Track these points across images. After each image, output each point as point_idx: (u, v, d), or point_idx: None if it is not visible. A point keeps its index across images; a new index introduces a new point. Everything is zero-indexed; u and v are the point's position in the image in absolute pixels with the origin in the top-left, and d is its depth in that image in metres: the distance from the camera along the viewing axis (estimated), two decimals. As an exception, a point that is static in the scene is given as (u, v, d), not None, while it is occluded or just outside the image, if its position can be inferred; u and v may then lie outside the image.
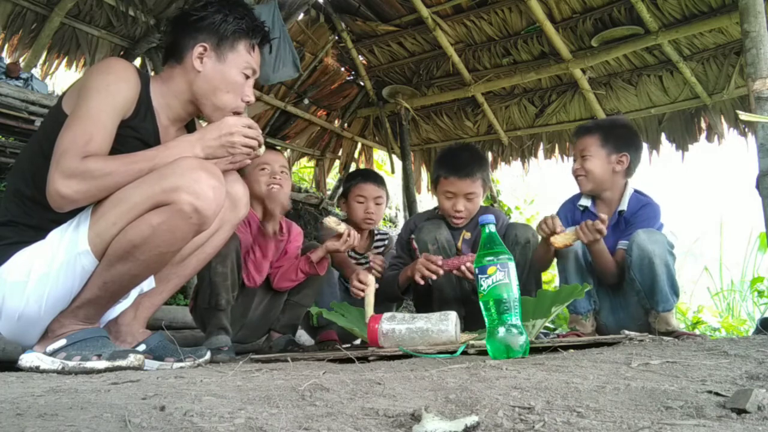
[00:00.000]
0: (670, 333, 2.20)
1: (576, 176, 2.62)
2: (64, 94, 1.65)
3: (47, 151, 1.51)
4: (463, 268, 2.32)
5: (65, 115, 1.54)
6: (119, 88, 1.57)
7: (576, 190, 2.71)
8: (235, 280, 2.26)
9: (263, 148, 1.73)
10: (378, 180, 3.05)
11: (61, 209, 1.48)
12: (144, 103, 1.66)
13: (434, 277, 2.38)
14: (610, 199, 2.58)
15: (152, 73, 4.25)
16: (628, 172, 2.57)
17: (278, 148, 5.08)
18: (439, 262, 2.35)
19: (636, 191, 2.58)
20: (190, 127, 1.87)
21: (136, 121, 1.63)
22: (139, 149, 1.57)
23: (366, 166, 6.51)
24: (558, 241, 2.30)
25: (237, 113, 1.75)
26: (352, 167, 6.39)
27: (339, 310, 2.24)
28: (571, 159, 5.35)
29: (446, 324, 1.73)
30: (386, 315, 1.82)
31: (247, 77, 1.77)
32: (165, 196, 1.45)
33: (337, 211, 6.04)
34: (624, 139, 2.56)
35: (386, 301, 2.78)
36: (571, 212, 2.67)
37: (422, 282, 2.42)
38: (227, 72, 1.72)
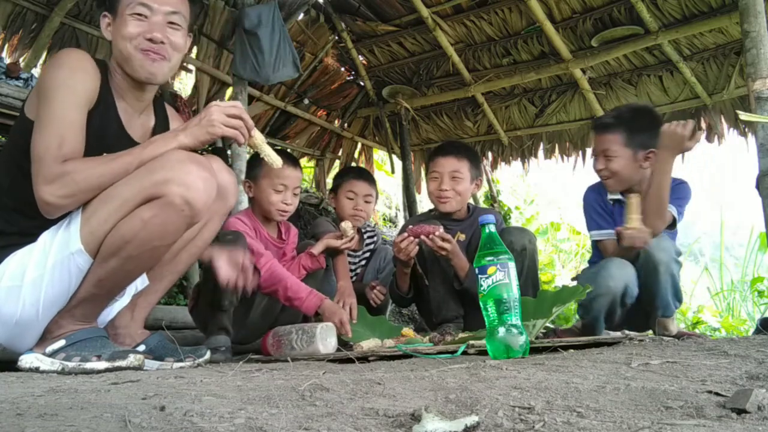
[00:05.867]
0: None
1: (601, 177, 2.39)
2: (24, 101, 1.62)
3: (19, 159, 1.50)
4: (423, 237, 2.37)
5: (30, 122, 1.52)
6: (76, 81, 1.54)
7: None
8: None
9: (256, 132, 1.66)
10: (370, 178, 3.10)
11: (51, 216, 1.48)
12: (105, 90, 1.63)
13: (412, 252, 2.41)
14: (639, 189, 2.36)
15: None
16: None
17: (278, 147, 5.08)
18: (405, 234, 2.41)
19: None
20: (158, 109, 1.82)
21: (99, 109, 1.60)
22: (101, 139, 1.55)
23: (366, 166, 6.50)
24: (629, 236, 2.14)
25: (150, 39, 1.61)
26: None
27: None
28: (571, 158, 5.42)
29: (313, 338, 1.95)
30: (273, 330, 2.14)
31: (139, 15, 1.61)
32: (155, 189, 1.44)
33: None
34: (649, 130, 2.30)
35: (399, 306, 2.82)
36: (602, 205, 2.49)
37: (409, 257, 2.44)
38: (122, 28, 1.62)
